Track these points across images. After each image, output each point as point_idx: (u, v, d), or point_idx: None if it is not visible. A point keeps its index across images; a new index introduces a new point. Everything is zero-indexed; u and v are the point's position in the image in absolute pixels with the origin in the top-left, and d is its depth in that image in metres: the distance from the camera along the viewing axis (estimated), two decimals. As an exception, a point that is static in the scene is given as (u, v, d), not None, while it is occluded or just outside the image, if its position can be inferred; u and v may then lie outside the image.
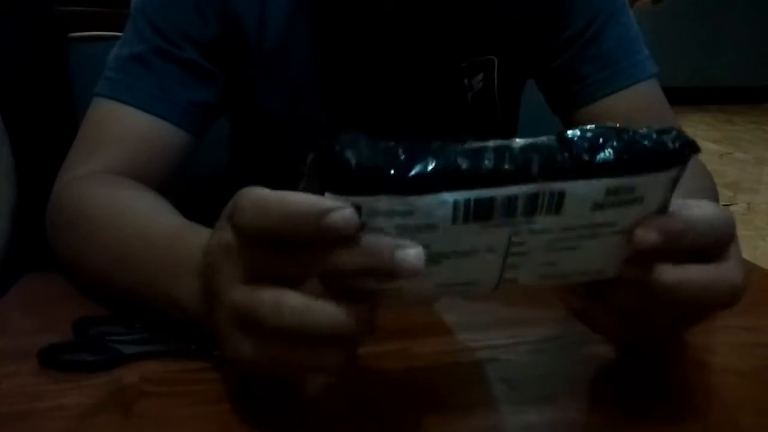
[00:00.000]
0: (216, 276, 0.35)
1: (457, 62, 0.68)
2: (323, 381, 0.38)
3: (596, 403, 0.41)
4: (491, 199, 0.31)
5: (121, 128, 0.62)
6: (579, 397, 0.42)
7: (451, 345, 0.48)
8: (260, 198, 0.32)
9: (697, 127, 3.89)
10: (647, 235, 0.33)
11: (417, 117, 0.70)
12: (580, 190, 0.32)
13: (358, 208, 0.30)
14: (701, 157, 0.68)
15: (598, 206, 0.32)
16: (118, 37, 0.66)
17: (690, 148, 0.33)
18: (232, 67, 0.66)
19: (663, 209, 0.34)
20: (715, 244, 0.36)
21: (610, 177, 0.32)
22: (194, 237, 0.45)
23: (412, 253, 0.30)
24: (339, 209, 0.30)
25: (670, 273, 0.34)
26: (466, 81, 0.69)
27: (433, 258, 0.32)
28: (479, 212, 0.31)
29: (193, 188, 0.80)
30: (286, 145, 0.71)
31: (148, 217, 0.52)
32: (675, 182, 0.34)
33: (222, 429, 0.39)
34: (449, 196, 0.31)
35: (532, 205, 0.32)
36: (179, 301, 0.43)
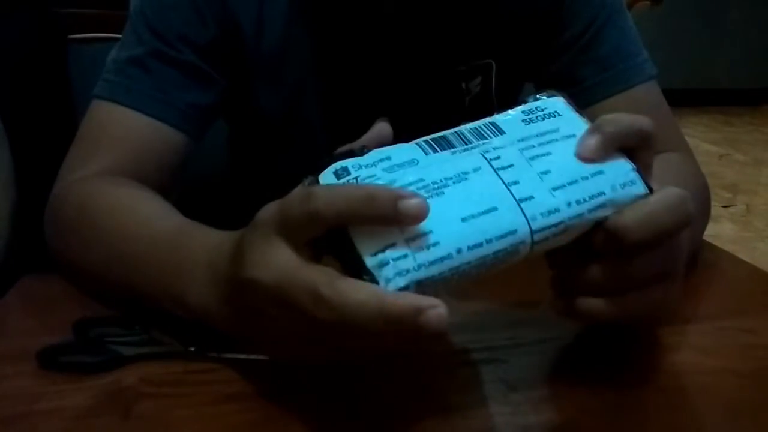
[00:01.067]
0: (257, 299, 0.36)
1: (455, 65, 0.68)
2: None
3: (595, 404, 0.41)
4: (444, 135, 0.41)
5: (120, 130, 0.62)
6: (578, 398, 0.42)
7: (450, 346, 0.48)
8: (335, 186, 0.36)
9: (695, 128, 3.89)
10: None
11: (414, 120, 0.70)
12: (503, 117, 0.42)
13: (345, 170, 0.38)
14: (699, 159, 0.68)
15: (526, 121, 0.42)
16: (117, 39, 0.66)
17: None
18: (230, 69, 0.66)
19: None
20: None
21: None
22: (201, 236, 0.46)
23: (413, 201, 0.34)
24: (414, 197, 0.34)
25: (628, 212, 0.38)
26: (463, 84, 0.69)
27: (432, 188, 0.37)
28: (441, 144, 0.40)
29: (193, 189, 0.80)
30: (284, 147, 0.72)
31: (152, 217, 0.52)
32: (571, 103, 0.43)
33: (221, 430, 0.39)
34: (413, 142, 0.40)
35: (478, 132, 0.41)
36: (185, 299, 0.43)
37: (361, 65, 0.67)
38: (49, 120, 0.89)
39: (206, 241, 0.45)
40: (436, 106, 0.70)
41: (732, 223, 2.51)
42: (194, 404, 0.41)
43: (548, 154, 0.40)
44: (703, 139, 3.68)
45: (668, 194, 0.39)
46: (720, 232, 2.39)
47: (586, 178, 0.39)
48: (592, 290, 0.40)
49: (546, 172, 0.38)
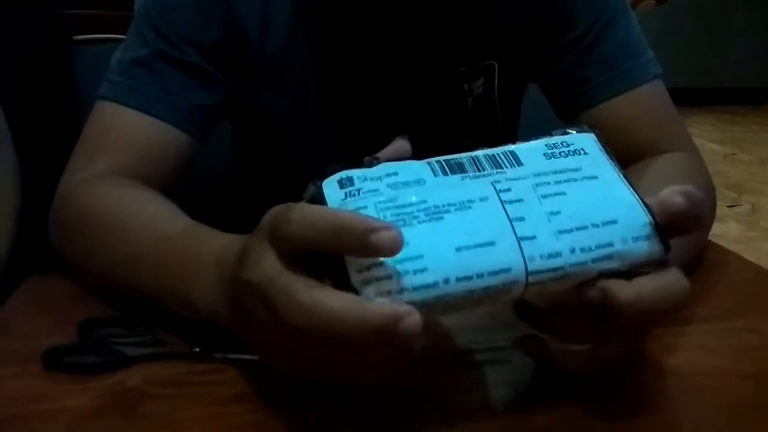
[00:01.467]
0: (247, 300, 0.36)
1: (457, 67, 0.68)
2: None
3: (600, 406, 0.41)
4: (458, 159, 0.39)
5: (125, 131, 0.62)
6: (582, 399, 0.42)
7: (454, 347, 0.48)
8: (308, 211, 0.35)
9: (700, 128, 3.88)
10: (674, 198, 0.37)
11: (417, 121, 0.70)
12: (525, 147, 0.40)
13: (350, 180, 0.37)
14: (704, 158, 0.68)
15: (548, 155, 0.40)
16: (122, 40, 0.66)
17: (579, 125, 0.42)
18: (234, 70, 0.66)
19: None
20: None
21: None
22: (208, 238, 0.46)
23: (385, 234, 0.33)
24: (387, 230, 0.33)
25: (625, 289, 0.36)
26: (466, 86, 0.69)
27: (432, 212, 0.36)
28: (453, 167, 0.38)
29: (197, 190, 0.81)
30: (288, 148, 0.72)
31: (158, 219, 0.52)
32: (602, 142, 0.41)
33: (225, 431, 0.39)
34: (425, 161, 0.39)
35: (494, 160, 0.39)
36: (193, 299, 0.44)
37: (363, 66, 0.67)
38: (54, 121, 0.89)
39: (214, 243, 0.45)
40: (438, 108, 0.70)
41: (737, 223, 2.50)
42: (199, 405, 0.41)
43: (563, 193, 0.38)
44: (708, 138, 3.66)
45: (670, 280, 0.38)
46: (725, 231, 2.38)
47: (597, 225, 0.37)
48: (566, 337, 0.40)
49: (555, 213, 0.37)
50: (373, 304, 0.33)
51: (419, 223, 0.35)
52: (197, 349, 0.45)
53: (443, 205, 0.36)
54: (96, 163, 0.60)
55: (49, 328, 0.49)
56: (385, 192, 0.36)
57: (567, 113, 0.70)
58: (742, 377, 0.46)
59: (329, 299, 0.33)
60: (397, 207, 0.36)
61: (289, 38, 0.65)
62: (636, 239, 0.37)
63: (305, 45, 0.66)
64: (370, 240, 0.32)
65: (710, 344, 0.49)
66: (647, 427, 0.40)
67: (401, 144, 0.42)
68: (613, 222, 0.37)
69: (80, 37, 0.91)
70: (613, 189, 0.39)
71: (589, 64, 0.67)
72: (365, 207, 0.36)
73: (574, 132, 0.41)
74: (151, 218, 0.53)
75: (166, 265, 0.47)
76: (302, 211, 0.35)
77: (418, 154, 0.68)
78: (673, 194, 0.38)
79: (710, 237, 0.62)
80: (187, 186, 0.66)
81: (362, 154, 0.69)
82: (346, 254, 0.34)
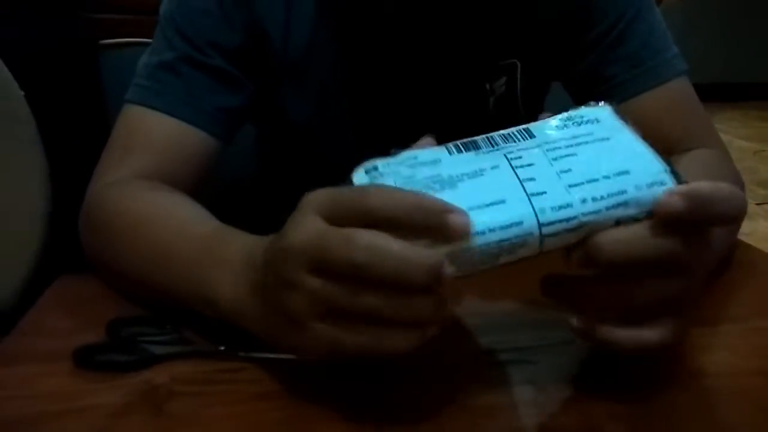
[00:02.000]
0: (287, 268, 0.37)
1: (479, 66, 0.68)
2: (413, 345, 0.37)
3: (624, 406, 0.41)
4: (473, 140, 0.42)
5: (152, 134, 0.63)
6: (606, 400, 0.41)
7: (477, 347, 0.48)
8: (387, 188, 0.38)
9: (728, 124, 3.82)
10: (672, 201, 0.36)
11: (438, 121, 0.70)
12: (538, 123, 0.42)
13: (375, 167, 0.40)
14: (733, 155, 0.67)
15: (560, 127, 0.41)
16: (148, 44, 0.67)
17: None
18: (258, 73, 0.66)
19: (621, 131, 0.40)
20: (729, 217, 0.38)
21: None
22: (237, 239, 0.47)
23: (460, 217, 0.35)
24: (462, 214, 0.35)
25: (606, 233, 0.37)
26: (488, 85, 0.69)
27: (446, 182, 0.38)
28: (468, 146, 0.41)
29: (222, 191, 0.81)
30: (311, 149, 0.72)
31: (188, 220, 0.53)
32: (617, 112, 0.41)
33: (251, 428, 0.39)
34: (443, 145, 0.42)
35: (507, 137, 0.41)
36: (215, 296, 0.44)
37: (385, 67, 0.67)
38: (81, 123, 0.91)
39: (242, 243, 0.46)
40: (460, 107, 0.69)
41: (766, 221, 2.45)
42: (224, 402, 0.41)
43: (573, 155, 0.39)
44: (737, 135, 3.60)
45: (656, 228, 0.37)
46: (754, 229, 2.34)
47: (608, 177, 0.38)
48: (593, 308, 0.39)
49: (566, 171, 0.38)
50: (427, 250, 0.35)
51: (434, 192, 0.37)
52: (222, 348, 0.46)
53: (456, 175, 0.39)
54: (124, 165, 0.61)
55: (78, 327, 0.50)
56: (404, 171, 0.39)
57: (591, 111, 0.70)
58: (766, 377, 0.45)
59: (389, 241, 0.35)
60: (414, 182, 0.38)
61: (311, 41, 0.66)
62: (651, 185, 0.37)
63: (328, 47, 0.66)
64: (446, 218, 0.35)
65: (736, 345, 0.48)
66: (674, 428, 0.40)
67: (427, 142, 0.43)
68: (626, 172, 0.38)
69: (107, 41, 0.92)
70: (627, 146, 0.39)
71: (614, 62, 0.66)
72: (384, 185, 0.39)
73: (591, 104, 0.43)
74: (180, 220, 0.53)
75: (193, 263, 0.47)
76: (379, 188, 0.37)
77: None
78: (670, 196, 0.36)
79: (739, 235, 0.61)
80: (212, 186, 0.67)
81: (383, 154, 0.70)
82: (422, 232, 0.35)
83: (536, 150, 0.39)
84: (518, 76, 0.69)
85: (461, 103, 0.69)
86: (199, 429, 0.39)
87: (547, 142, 0.40)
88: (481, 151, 0.40)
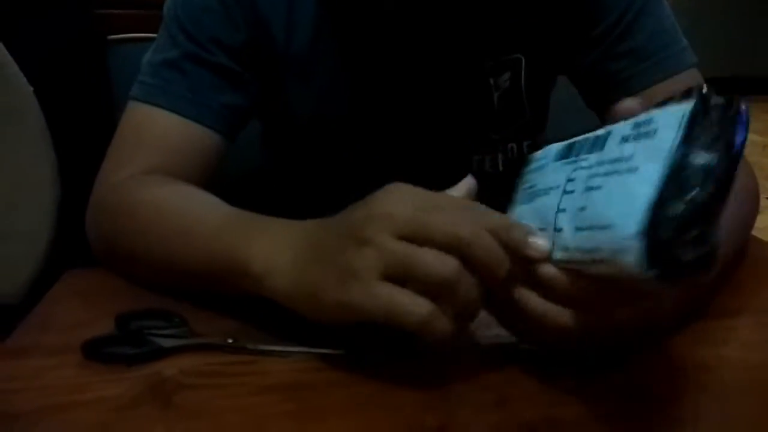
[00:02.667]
0: (372, 229, 0.38)
1: (482, 61, 0.68)
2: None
3: (628, 397, 0.41)
4: (573, 142, 0.43)
5: (157, 131, 0.63)
6: (610, 391, 0.41)
7: (481, 339, 0.47)
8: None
9: (738, 118, 3.78)
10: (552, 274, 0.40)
11: (443, 117, 0.69)
12: (617, 128, 0.38)
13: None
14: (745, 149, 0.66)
15: (625, 138, 0.37)
16: (155, 39, 0.67)
17: (699, 89, 0.35)
18: (261, 70, 0.66)
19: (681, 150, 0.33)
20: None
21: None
22: (261, 217, 0.49)
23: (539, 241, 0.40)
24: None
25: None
26: (491, 80, 0.68)
27: (532, 195, 0.44)
28: (566, 151, 0.43)
29: (227, 187, 0.81)
30: (316, 145, 0.72)
31: (210, 203, 0.54)
32: (690, 121, 0.33)
33: (259, 420, 0.39)
34: (563, 142, 0.44)
35: (589, 144, 0.40)
36: (245, 258, 0.45)
37: (388, 64, 0.67)
38: (90, 118, 0.91)
39: (270, 219, 0.48)
40: (463, 103, 0.69)
41: (776, 216, 2.43)
42: (232, 395, 0.42)
43: (599, 187, 0.37)
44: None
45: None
46: (765, 224, 2.32)
47: (596, 227, 0.36)
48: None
49: (582, 209, 0.38)
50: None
51: (521, 204, 0.45)
52: (231, 341, 0.46)
53: (540, 189, 0.43)
54: (130, 163, 0.62)
55: (87, 320, 0.50)
56: (529, 178, 0.46)
57: (599, 106, 0.69)
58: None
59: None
60: (525, 189, 0.46)
61: (314, 37, 0.66)
62: (617, 251, 0.33)
63: (330, 44, 0.66)
64: (529, 241, 0.39)
65: (750, 339, 0.48)
66: (687, 421, 0.40)
67: (468, 180, 0.45)
68: (608, 227, 0.34)
69: (114, 36, 0.92)
70: (638, 187, 0.33)
71: (621, 56, 0.66)
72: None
73: (674, 102, 0.36)
74: (202, 203, 0.55)
75: (221, 236, 0.48)
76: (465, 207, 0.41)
77: (443, 149, 0.68)
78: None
79: (747, 229, 0.61)
80: (218, 182, 0.67)
81: (388, 150, 0.70)
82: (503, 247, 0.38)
83: (586, 173, 0.39)
84: (523, 71, 0.69)
85: (465, 98, 0.69)
86: (207, 421, 0.40)
87: (599, 163, 0.38)
88: (567, 160, 0.42)
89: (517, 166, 0.74)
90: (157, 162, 0.61)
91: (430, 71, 0.67)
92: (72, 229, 0.66)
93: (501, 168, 0.72)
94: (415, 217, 0.38)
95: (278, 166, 0.82)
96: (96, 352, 0.45)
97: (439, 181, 0.75)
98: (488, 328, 0.44)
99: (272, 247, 0.44)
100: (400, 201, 0.39)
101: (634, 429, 0.39)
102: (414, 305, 0.37)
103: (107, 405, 0.41)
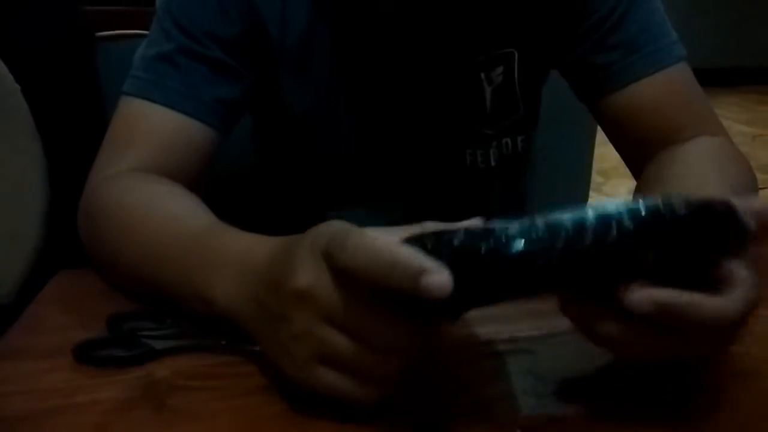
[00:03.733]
0: (300, 307, 0.37)
1: (474, 56, 0.68)
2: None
3: (626, 394, 0.41)
4: None
5: (150, 126, 0.62)
6: (608, 389, 0.41)
7: (478, 337, 0.48)
8: (365, 244, 0.35)
9: (728, 109, 3.81)
10: (641, 302, 0.35)
11: (435, 111, 0.69)
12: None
13: None
14: (733, 140, 0.66)
15: None
16: (145, 36, 0.66)
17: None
18: (256, 64, 0.66)
19: None
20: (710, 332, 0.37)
21: None
22: (230, 237, 0.47)
23: (436, 277, 0.33)
24: (438, 273, 0.33)
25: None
26: (483, 75, 0.68)
27: None
28: None
29: (219, 183, 0.81)
30: (309, 140, 0.72)
31: (182, 216, 0.53)
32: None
33: (252, 422, 0.39)
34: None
35: None
36: (211, 296, 0.44)
37: (382, 58, 0.67)
38: (79, 117, 0.90)
39: (237, 243, 0.46)
40: (455, 97, 0.69)
41: None
42: (226, 396, 0.41)
43: None
44: (737, 119, 3.59)
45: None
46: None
47: None
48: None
49: None
50: (411, 252, 0.34)
51: None
52: (223, 342, 0.46)
53: None
54: (122, 158, 0.61)
55: (78, 322, 0.50)
56: None
57: (589, 99, 0.70)
58: (770, 364, 0.45)
59: (370, 243, 0.35)
60: None
61: (308, 32, 0.65)
62: None
63: (325, 37, 0.66)
64: (420, 281, 0.33)
65: (748, 332, 0.48)
66: (682, 414, 0.40)
67: (471, 223, 0.43)
68: None
69: (104, 33, 0.92)
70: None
71: (611, 49, 0.66)
72: None
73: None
74: (176, 215, 0.53)
75: (188, 261, 0.47)
76: (359, 241, 0.35)
77: (435, 143, 0.68)
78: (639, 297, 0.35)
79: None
80: (210, 178, 0.66)
81: (381, 144, 0.70)
82: (395, 289, 0.34)
83: None
84: (516, 65, 0.69)
85: (458, 93, 0.69)
86: (200, 423, 0.39)
87: None
88: None
89: (511, 161, 0.75)
90: (150, 158, 0.61)
91: (423, 66, 0.67)
92: (63, 230, 0.66)
93: (494, 163, 0.72)
94: (333, 306, 0.36)
95: (270, 161, 0.82)
96: (88, 354, 0.45)
97: (431, 175, 0.75)
98: (483, 326, 0.45)
99: (232, 292, 0.43)
100: (322, 273, 0.36)
101: (634, 425, 0.39)
102: (334, 385, 0.37)
103: (100, 408, 0.40)
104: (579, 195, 1.31)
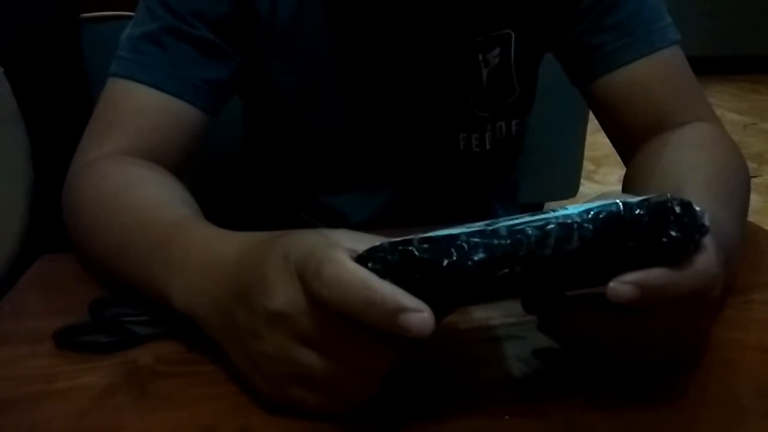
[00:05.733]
0: (274, 328, 0.36)
1: (471, 37, 0.67)
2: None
3: (616, 381, 0.41)
4: None
5: (136, 107, 0.61)
6: (598, 375, 0.41)
7: (467, 323, 0.47)
8: (339, 277, 0.33)
9: (720, 97, 3.81)
10: (625, 290, 0.34)
11: (430, 93, 0.68)
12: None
13: None
14: (726, 128, 0.66)
15: None
16: (130, 17, 0.65)
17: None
18: (245, 44, 0.65)
19: None
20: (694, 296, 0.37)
21: None
22: (196, 234, 0.45)
23: (415, 316, 0.32)
24: (418, 312, 0.32)
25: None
26: (480, 56, 0.68)
27: None
28: None
29: (207, 167, 0.80)
30: (299, 122, 0.71)
31: (156, 204, 0.52)
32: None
33: (236, 408, 0.39)
34: None
35: None
36: (169, 295, 0.43)
37: (374, 39, 0.66)
38: (63, 100, 0.89)
39: (201, 241, 0.44)
40: (451, 79, 0.68)
41: (757, 194, 2.46)
42: (209, 382, 0.41)
43: None
44: (728, 108, 3.60)
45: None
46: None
47: None
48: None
49: None
50: (389, 288, 0.32)
51: None
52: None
53: None
54: (107, 140, 0.60)
55: (60, 307, 0.49)
56: None
57: (582, 80, 0.69)
58: (762, 351, 0.45)
59: (347, 274, 0.33)
60: None
61: (298, 11, 0.64)
62: None
63: (316, 17, 0.65)
64: (398, 320, 0.32)
65: (730, 318, 0.48)
66: (666, 400, 0.40)
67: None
68: None
69: (87, 14, 0.90)
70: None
71: (606, 30, 0.65)
72: None
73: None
74: (148, 204, 0.52)
75: (150, 256, 0.46)
76: (335, 272, 0.33)
77: (429, 126, 0.67)
78: (620, 284, 0.34)
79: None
80: (201, 163, 0.65)
81: (373, 126, 0.69)
82: (372, 326, 0.33)
83: None
84: (512, 46, 0.68)
85: (453, 74, 0.68)
86: (183, 409, 0.39)
87: None
88: None
89: (505, 145, 0.75)
90: (136, 140, 0.60)
91: (419, 46, 0.66)
92: (47, 215, 0.65)
93: (488, 147, 0.71)
94: (309, 328, 0.35)
95: (261, 144, 0.81)
96: (69, 340, 0.44)
97: (424, 159, 0.74)
98: (473, 311, 0.44)
99: (190, 292, 0.42)
100: (298, 294, 0.35)
101: (624, 412, 0.39)
102: (308, 401, 0.36)
103: (82, 394, 0.40)
104: (570, 182, 1.31)
